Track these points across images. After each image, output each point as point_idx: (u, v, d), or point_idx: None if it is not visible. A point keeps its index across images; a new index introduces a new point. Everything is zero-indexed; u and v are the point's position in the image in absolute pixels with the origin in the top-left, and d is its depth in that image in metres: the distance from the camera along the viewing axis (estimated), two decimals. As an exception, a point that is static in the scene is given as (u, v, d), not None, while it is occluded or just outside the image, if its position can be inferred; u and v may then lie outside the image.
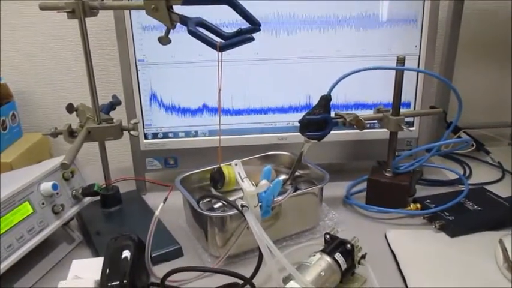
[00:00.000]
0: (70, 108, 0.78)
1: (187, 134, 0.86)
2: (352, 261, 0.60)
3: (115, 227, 0.75)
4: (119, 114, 0.81)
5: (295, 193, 0.68)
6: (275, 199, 0.64)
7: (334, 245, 0.60)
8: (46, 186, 0.63)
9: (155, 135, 0.86)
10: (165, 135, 0.86)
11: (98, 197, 0.76)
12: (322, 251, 0.59)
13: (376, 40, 0.83)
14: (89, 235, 0.73)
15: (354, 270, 0.61)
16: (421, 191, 0.86)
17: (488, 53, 1.08)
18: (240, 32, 0.65)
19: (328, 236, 0.62)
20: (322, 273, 0.56)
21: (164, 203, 0.59)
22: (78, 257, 0.69)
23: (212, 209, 0.72)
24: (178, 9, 0.64)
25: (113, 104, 0.86)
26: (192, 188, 0.75)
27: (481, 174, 0.94)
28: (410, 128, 0.88)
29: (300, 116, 0.75)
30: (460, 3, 0.97)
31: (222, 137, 0.84)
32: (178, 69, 0.81)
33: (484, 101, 1.12)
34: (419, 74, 0.85)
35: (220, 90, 0.68)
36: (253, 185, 0.62)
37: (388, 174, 0.81)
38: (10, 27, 0.98)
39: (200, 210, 0.64)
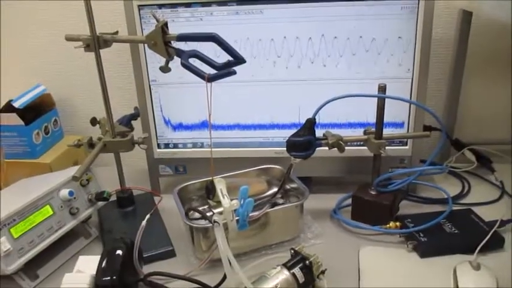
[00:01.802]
0: (93, 121, 0.91)
1: (195, 145, 0.96)
2: (312, 276, 0.68)
3: (126, 226, 0.88)
4: (139, 124, 0.95)
5: (271, 210, 0.76)
6: (251, 214, 0.73)
7: (295, 260, 0.68)
8: (64, 192, 0.77)
9: (167, 145, 0.97)
10: (175, 146, 0.97)
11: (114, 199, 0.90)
12: (284, 264, 0.67)
13: (370, 64, 0.87)
14: (103, 232, 0.86)
15: (314, 284, 0.68)
16: (410, 208, 0.90)
17: (498, 66, 1.06)
18: (228, 64, 0.73)
19: (292, 251, 0.70)
20: (278, 285, 0.64)
21: (151, 214, 0.70)
22: (92, 250, 0.84)
23: (203, 212, 0.82)
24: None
25: (134, 116, 0.99)
26: (189, 197, 0.86)
27: (479, 193, 0.95)
28: (404, 147, 0.92)
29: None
30: (468, 14, 0.97)
31: (222, 149, 0.95)
32: (184, 89, 0.91)
33: (494, 116, 1.10)
34: (413, 93, 0.88)
35: (210, 114, 0.77)
36: (230, 201, 0.71)
37: (372, 193, 0.86)
38: (58, 44, 1.13)
39: (185, 221, 0.74)
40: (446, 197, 0.91)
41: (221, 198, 0.73)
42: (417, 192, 0.95)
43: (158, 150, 0.97)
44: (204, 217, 0.72)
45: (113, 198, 0.91)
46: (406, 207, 0.90)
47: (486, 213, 0.84)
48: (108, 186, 0.91)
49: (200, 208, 0.87)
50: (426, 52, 0.84)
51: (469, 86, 1.06)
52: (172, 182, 1.02)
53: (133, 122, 0.97)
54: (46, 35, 1.13)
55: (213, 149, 0.95)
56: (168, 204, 0.88)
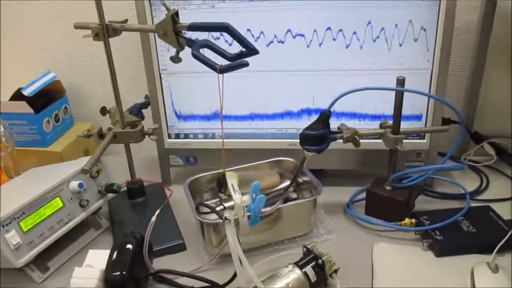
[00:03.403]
0: (103, 111, 0.90)
1: (206, 135, 0.95)
2: (324, 275, 0.66)
3: (136, 217, 0.87)
4: (150, 112, 0.93)
5: (283, 205, 0.74)
6: (262, 210, 0.72)
7: (307, 258, 0.66)
8: (74, 184, 0.76)
9: (177, 136, 0.95)
10: (186, 136, 0.95)
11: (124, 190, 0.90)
12: (295, 263, 0.66)
13: (387, 54, 0.83)
14: (113, 223, 0.86)
15: (326, 283, 0.67)
16: (426, 204, 0.87)
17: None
18: (240, 54, 0.71)
19: (305, 249, 0.69)
20: (290, 285, 0.63)
21: (161, 209, 0.68)
22: (102, 241, 0.83)
23: (214, 208, 0.80)
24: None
25: (144, 105, 0.97)
26: (200, 189, 0.85)
27: (497, 188, 0.92)
28: (421, 140, 0.89)
29: (308, 124, 0.79)
30: (492, 4, 0.92)
31: (234, 140, 0.93)
32: (195, 79, 0.89)
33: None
34: (432, 85, 0.84)
35: (222, 107, 0.76)
36: (240, 197, 0.69)
37: (387, 188, 0.83)
38: (67, 30, 1.11)
39: (195, 216, 0.73)
40: (463, 192, 0.88)
41: (232, 193, 0.71)
42: (434, 186, 0.93)
43: (169, 140, 0.95)
44: (214, 213, 0.71)
45: (124, 188, 0.90)
46: (422, 203, 0.87)
47: (505, 211, 0.82)
48: (118, 176, 0.90)
49: (211, 201, 0.86)
50: (448, 42, 0.80)
51: (490, 76, 1.01)
52: (183, 172, 1.01)
53: (144, 111, 0.96)
54: (56, 20, 1.11)
55: (224, 140, 0.93)
56: (179, 195, 0.87)
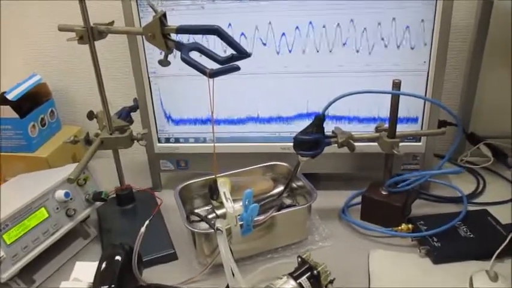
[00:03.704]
0: (90, 115, 0.87)
1: (197, 140, 0.92)
2: (319, 286, 0.64)
3: (126, 225, 0.85)
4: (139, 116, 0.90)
5: (277, 213, 0.72)
6: (256, 218, 0.70)
7: (302, 269, 0.64)
8: (60, 194, 0.73)
9: (168, 140, 0.93)
10: (177, 140, 0.92)
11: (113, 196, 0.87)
12: (290, 274, 0.64)
13: (382, 55, 0.81)
14: (102, 231, 0.83)
15: (321, 294, 0.65)
16: (422, 208, 0.86)
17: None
18: (231, 58, 0.68)
19: (300, 259, 0.67)
20: (284, 297, 0.61)
21: (149, 221, 0.66)
22: (91, 251, 0.81)
23: (206, 218, 0.78)
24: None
25: (133, 108, 0.94)
26: (191, 196, 0.83)
27: (494, 191, 0.91)
28: (417, 143, 0.87)
29: (303, 127, 0.77)
30: (488, 4, 0.90)
31: (226, 144, 0.90)
32: (186, 81, 0.86)
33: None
34: (428, 87, 0.82)
35: (212, 112, 0.74)
36: (232, 206, 0.67)
37: (383, 192, 0.82)
38: (53, 30, 1.07)
39: (186, 225, 0.70)
40: (460, 195, 0.86)
41: (225, 202, 0.69)
42: (430, 189, 0.91)
43: (159, 144, 0.93)
44: (206, 223, 0.69)
45: (113, 195, 0.87)
46: (418, 207, 0.86)
47: (503, 214, 0.81)
48: (107, 182, 0.87)
49: (203, 208, 0.84)
50: (444, 43, 0.78)
51: (486, 76, 0.99)
52: (174, 177, 0.99)
53: (133, 114, 0.93)
54: (42, 22, 1.07)
55: (216, 144, 0.91)
56: (170, 200, 0.84)
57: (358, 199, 0.87)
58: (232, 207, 0.67)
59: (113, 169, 0.86)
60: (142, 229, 0.65)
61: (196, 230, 0.70)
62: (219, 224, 0.65)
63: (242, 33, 0.82)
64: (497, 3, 0.90)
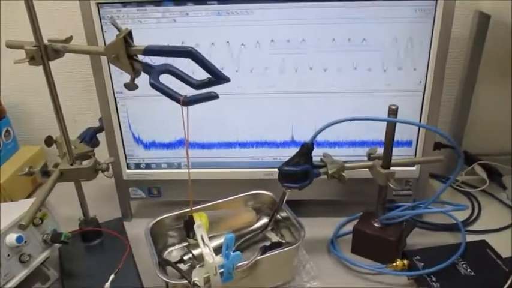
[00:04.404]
0: (49, 141, 0.77)
1: (170, 165, 0.83)
2: None
3: (91, 265, 0.75)
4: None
5: (261, 257, 0.64)
6: (238, 264, 0.62)
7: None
8: (11, 239, 0.63)
9: (138, 166, 0.83)
10: (148, 166, 0.83)
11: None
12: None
13: (375, 75, 0.74)
14: (63, 273, 0.74)
15: None
16: (417, 237, 0.79)
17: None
18: (208, 82, 0.60)
19: (287, 312, 0.59)
20: None
21: (115, 274, 0.57)
22: (50, 298, 0.71)
23: (181, 260, 0.70)
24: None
25: (98, 130, 0.85)
26: (165, 232, 0.74)
27: (490, 215, 0.85)
28: (411, 168, 0.80)
29: (288, 151, 0.69)
30: (485, 18, 0.84)
31: (203, 170, 0.82)
32: (157, 102, 0.77)
33: (504, 125, 0.98)
34: (424, 108, 0.76)
35: (187, 140, 0.65)
36: (212, 254, 0.59)
37: (376, 225, 0.75)
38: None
39: (159, 275, 0.62)
40: (455, 222, 0.81)
41: (202, 248, 0.61)
42: (423, 216, 0.85)
43: (128, 171, 0.83)
44: (181, 275, 0.60)
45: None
46: (412, 236, 0.79)
47: (500, 243, 0.75)
48: (70, 209, 0.77)
49: (178, 246, 0.75)
50: (442, 63, 0.72)
51: (480, 92, 0.94)
52: (146, 204, 0.90)
53: (100, 135, 0.84)
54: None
55: (192, 170, 0.82)
56: (141, 232, 0.75)
57: (348, 228, 0.81)
58: (211, 255, 0.59)
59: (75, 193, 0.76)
60: (107, 286, 0.56)
61: (170, 281, 0.61)
62: (196, 277, 0.57)
63: (217, 48, 0.73)
64: (495, 18, 0.83)
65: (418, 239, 0.79)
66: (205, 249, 0.60)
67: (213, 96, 0.58)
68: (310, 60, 0.74)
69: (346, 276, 0.73)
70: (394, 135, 0.67)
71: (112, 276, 0.57)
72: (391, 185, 0.68)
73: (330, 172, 0.68)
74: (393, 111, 0.65)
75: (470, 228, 0.83)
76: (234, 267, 0.60)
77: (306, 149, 0.68)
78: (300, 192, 0.70)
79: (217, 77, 0.58)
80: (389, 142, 0.68)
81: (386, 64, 0.73)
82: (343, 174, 0.68)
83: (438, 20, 0.69)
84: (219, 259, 0.58)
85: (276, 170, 0.76)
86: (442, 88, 0.74)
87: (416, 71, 0.73)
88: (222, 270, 0.60)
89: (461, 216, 0.83)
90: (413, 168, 0.80)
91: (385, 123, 0.68)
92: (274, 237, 0.78)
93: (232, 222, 0.75)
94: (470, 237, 0.77)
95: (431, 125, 0.75)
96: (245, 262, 0.63)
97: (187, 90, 0.58)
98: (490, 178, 0.92)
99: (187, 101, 0.58)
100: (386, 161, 0.69)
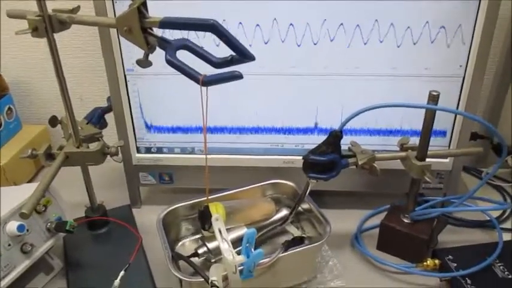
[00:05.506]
0: (53, 121, 0.72)
1: (183, 150, 0.77)
2: None
3: (97, 256, 0.70)
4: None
5: (283, 254, 0.59)
6: (259, 262, 0.56)
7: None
8: (12, 227, 0.58)
9: (148, 150, 0.78)
10: (159, 150, 0.77)
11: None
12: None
13: (410, 57, 0.67)
14: (68, 264, 0.69)
15: None
16: (448, 235, 0.73)
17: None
18: (231, 61, 0.54)
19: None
20: None
21: (125, 271, 0.52)
22: (54, 289, 0.66)
23: (195, 254, 0.65)
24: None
25: (106, 110, 0.79)
26: (177, 222, 0.69)
27: (526, 212, 0.80)
28: (443, 160, 0.74)
29: (311, 138, 0.63)
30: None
31: (218, 156, 0.77)
32: (172, 81, 0.71)
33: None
34: (463, 95, 0.69)
35: (205, 126, 0.59)
36: (231, 250, 0.54)
37: (405, 221, 0.69)
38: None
39: (172, 271, 0.56)
40: (488, 218, 0.75)
41: (221, 243, 0.55)
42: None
43: (138, 155, 0.78)
44: (197, 273, 0.55)
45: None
46: (442, 232, 0.74)
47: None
48: (77, 193, 0.72)
49: (191, 238, 0.70)
50: (486, 45, 0.65)
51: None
52: (157, 190, 0.84)
53: (108, 116, 0.78)
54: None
55: (208, 156, 0.77)
56: (151, 220, 0.69)
57: (373, 221, 0.76)
58: (230, 252, 0.53)
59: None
60: (116, 283, 0.51)
61: (185, 279, 0.56)
62: (213, 276, 0.52)
63: (242, 26, 0.67)
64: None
65: (448, 237, 0.73)
66: (224, 245, 0.55)
67: (237, 76, 0.52)
68: (337, 39, 0.67)
69: (372, 275, 0.68)
70: (432, 124, 0.61)
71: (122, 272, 0.52)
72: (427, 179, 0.62)
73: (360, 163, 0.63)
74: (434, 98, 0.59)
75: (503, 225, 0.77)
76: (255, 265, 0.55)
77: (335, 137, 0.62)
78: (322, 183, 0.65)
79: (242, 55, 0.52)
80: (427, 132, 0.61)
81: (422, 45, 0.66)
82: (375, 165, 0.62)
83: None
84: (239, 258, 0.52)
85: (297, 158, 0.70)
86: (484, 73, 0.67)
87: (458, 54, 0.66)
88: (241, 267, 0.55)
89: (493, 212, 0.77)
90: (447, 160, 0.74)
91: (421, 111, 0.62)
92: (294, 231, 0.72)
93: (250, 214, 0.70)
94: (505, 238, 0.72)
95: (470, 113, 0.69)
96: (266, 259, 0.57)
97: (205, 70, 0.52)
98: (523, 172, 0.86)
99: (208, 81, 0.52)
100: (422, 152, 0.63)
